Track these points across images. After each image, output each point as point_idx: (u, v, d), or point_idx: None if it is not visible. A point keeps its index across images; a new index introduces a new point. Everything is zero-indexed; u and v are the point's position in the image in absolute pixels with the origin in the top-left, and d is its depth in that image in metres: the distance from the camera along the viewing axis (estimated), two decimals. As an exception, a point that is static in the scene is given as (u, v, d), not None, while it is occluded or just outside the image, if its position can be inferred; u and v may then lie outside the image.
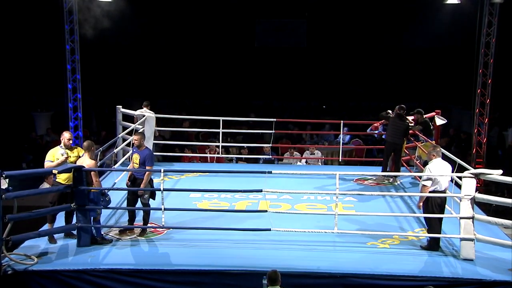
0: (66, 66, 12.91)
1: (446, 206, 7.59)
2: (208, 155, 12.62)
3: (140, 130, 10.41)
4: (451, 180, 8.04)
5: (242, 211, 8.60)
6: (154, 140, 11.45)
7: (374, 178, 10.69)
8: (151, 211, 7.94)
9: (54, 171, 7.24)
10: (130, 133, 10.55)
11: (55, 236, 7.52)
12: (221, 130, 11.73)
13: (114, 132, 11.90)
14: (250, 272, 6.73)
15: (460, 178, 7.46)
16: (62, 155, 7.59)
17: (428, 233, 7.56)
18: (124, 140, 10.83)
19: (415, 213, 8.45)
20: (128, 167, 8.65)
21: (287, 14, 20.75)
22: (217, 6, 19.60)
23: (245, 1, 19.31)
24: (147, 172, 7.73)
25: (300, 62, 21.35)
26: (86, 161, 7.47)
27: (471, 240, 7.11)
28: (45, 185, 9.64)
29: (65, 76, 12.97)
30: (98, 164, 8.06)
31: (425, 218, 7.74)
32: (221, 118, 11.66)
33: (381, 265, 6.91)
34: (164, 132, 14.64)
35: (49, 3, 14.44)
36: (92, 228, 7.48)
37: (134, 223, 7.99)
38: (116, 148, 10.12)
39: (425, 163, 8.73)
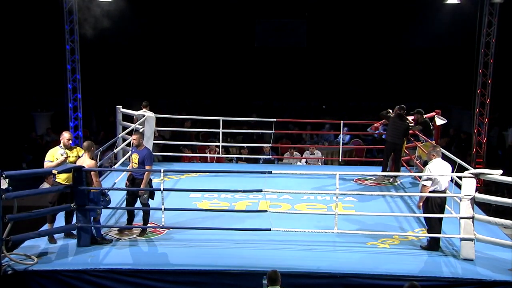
0: (66, 66, 12.91)
1: (446, 206, 7.59)
2: (208, 155, 12.62)
3: (140, 130, 10.42)
4: (451, 180, 8.05)
5: (242, 211, 8.60)
6: (154, 140, 11.44)
7: (374, 178, 10.69)
8: (151, 211, 7.95)
9: (54, 171, 7.24)
10: (130, 133, 10.55)
11: (55, 236, 7.53)
12: (221, 130, 11.73)
13: (112, 132, 11.90)
14: (250, 272, 6.73)
15: (460, 178, 7.46)
16: (62, 155, 7.59)
17: (428, 233, 7.56)
18: (124, 140, 10.83)
19: (415, 213, 8.45)
20: (128, 167, 8.64)
21: (287, 14, 20.74)
22: (217, 6, 19.60)
23: (245, 1, 19.31)
24: (146, 172, 7.73)
25: (300, 62, 21.34)
26: (86, 161, 7.47)
27: (471, 240, 7.11)
28: (45, 185, 9.64)
29: (65, 76, 12.97)
30: (98, 164, 8.05)
31: (425, 218, 7.74)
32: (221, 118, 11.66)
33: (381, 265, 6.91)
34: (164, 132, 14.64)
35: (49, 3, 14.45)
36: (92, 228, 7.48)
37: (134, 223, 8.00)
38: (116, 148, 10.12)
39: (425, 163, 8.73)
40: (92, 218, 7.48)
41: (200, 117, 13.02)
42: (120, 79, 21.16)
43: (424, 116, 10.75)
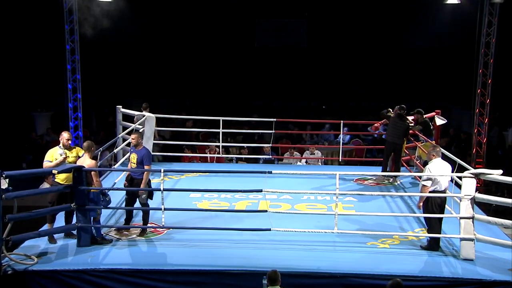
0: (66, 66, 12.91)
1: (446, 206, 7.59)
2: (208, 155, 12.61)
3: (140, 131, 10.42)
4: (451, 180, 8.04)
5: (242, 211, 8.60)
6: (154, 140, 11.44)
7: (374, 178, 10.69)
8: (151, 211, 7.95)
9: (54, 171, 7.24)
10: (130, 133, 10.55)
11: (55, 236, 7.52)
12: (221, 130, 11.73)
13: (112, 132, 11.89)
14: (250, 272, 6.73)
15: (460, 178, 7.46)
16: (61, 155, 7.59)
17: (428, 233, 7.56)
18: (124, 140, 10.83)
19: (415, 213, 8.45)
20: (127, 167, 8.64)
21: (287, 14, 20.74)
22: (217, 6, 19.59)
23: (245, 1, 19.30)
24: (145, 172, 7.73)
25: (300, 62, 21.34)
26: (86, 161, 7.47)
27: (471, 240, 7.11)
28: (45, 185, 9.64)
29: (65, 76, 12.97)
30: (98, 164, 8.05)
31: (425, 218, 7.74)
32: (221, 118, 11.66)
33: (381, 265, 6.91)
34: (164, 132, 14.64)
35: (49, 3, 14.44)
36: (92, 228, 7.48)
37: (134, 223, 8.00)
38: (116, 148, 10.12)
39: (425, 163, 8.73)
40: (92, 218, 7.47)
41: (200, 117, 13.02)
42: (120, 79, 21.14)
43: (424, 116, 10.75)
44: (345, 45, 21.00)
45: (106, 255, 7.17)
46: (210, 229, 7.68)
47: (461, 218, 7.20)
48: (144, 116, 10.98)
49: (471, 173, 7.27)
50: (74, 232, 7.53)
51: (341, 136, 12.99)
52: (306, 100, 21.63)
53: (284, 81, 21.31)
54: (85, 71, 13.21)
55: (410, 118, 10.58)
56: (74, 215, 7.53)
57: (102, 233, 7.61)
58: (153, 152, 11.12)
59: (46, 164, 7.56)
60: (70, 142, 7.76)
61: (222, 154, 12.47)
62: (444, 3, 14.69)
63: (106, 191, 7.68)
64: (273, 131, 12.03)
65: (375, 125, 11.79)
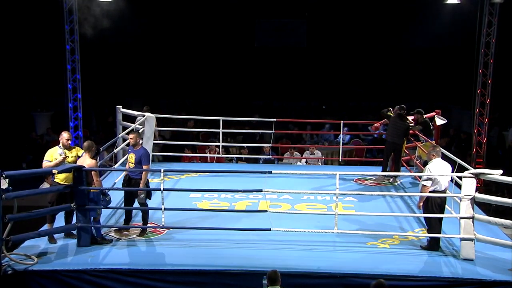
0: (66, 66, 12.91)
1: (446, 206, 7.59)
2: (208, 155, 12.61)
3: (140, 131, 10.42)
4: (451, 180, 8.04)
5: (242, 211, 8.60)
6: (154, 140, 11.44)
7: (374, 178, 10.69)
8: (151, 211, 7.95)
9: (54, 171, 7.24)
10: (129, 134, 10.55)
11: (55, 236, 7.52)
12: (221, 130, 11.73)
13: (112, 132, 11.88)
14: (250, 272, 6.73)
15: (460, 178, 7.46)
16: (60, 155, 7.59)
17: (428, 233, 7.56)
18: (124, 140, 10.83)
19: (415, 213, 8.45)
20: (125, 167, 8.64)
21: (287, 14, 20.73)
22: (217, 6, 19.59)
23: (245, 1, 19.30)
24: (144, 172, 7.72)
25: (300, 62, 21.33)
26: (86, 161, 7.47)
27: (471, 240, 7.11)
28: (45, 185, 9.64)
29: (65, 76, 12.97)
30: (98, 164, 8.05)
31: (425, 218, 7.74)
32: (221, 118, 11.66)
33: (381, 265, 6.91)
34: (164, 132, 14.64)
35: (49, 3, 14.44)
36: (92, 228, 7.48)
37: (134, 224, 8.00)
38: (116, 148, 10.12)
39: (425, 163, 8.73)
40: (92, 218, 7.47)
41: (200, 117, 13.02)
42: (120, 79, 21.15)
43: (424, 116, 10.75)
44: (345, 45, 20.99)
45: (106, 255, 7.17)
46: (210, 229, 7.68)
47: (461, 218, 7.20)
48: (144, 115, 10.98)
49: (471, 173, 7.27)
50: (74, 232, 7.53)
51: (341, 136, 12.99)
52: (306, 100, 21.63)
53: (284, 81, 21.31)
54: (85, 71, 13.21)
55: (410, 118, 10.58)
56: (74, 215, 7.53)
57: (102, 233, 7.61)
58: (153, 152, 11.14)
59: (46, 164, 7.56)
60: (70, 142, 7.76)
61: (222, 154, 12.47)
62: (444, 3, 14.69)
63: (106, 191, 7.68)
64: (273, 131, 12.03)
65: (375, 125, 11.80)
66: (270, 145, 12.60)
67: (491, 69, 13.25)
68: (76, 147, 7.95)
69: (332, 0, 19.62)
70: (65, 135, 7.71)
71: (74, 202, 7.36)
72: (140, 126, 10.72)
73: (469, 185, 7.18)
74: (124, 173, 8.16)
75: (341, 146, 12.19)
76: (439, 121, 10.87)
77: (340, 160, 12.51)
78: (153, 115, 11.21)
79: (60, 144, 7.70)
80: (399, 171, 10.27)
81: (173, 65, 21.20)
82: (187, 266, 6.88)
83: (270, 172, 8.10)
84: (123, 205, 8.25)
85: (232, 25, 20.64)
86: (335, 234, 7.53)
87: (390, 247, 7.50)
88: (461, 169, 7.84)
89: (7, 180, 6.68)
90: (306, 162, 13.02)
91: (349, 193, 9.39)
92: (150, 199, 7.86)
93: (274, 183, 8.80)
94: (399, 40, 20.63)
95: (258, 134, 15.04)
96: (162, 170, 7.69)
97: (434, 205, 7.36)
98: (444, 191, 7.44)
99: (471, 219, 7.14)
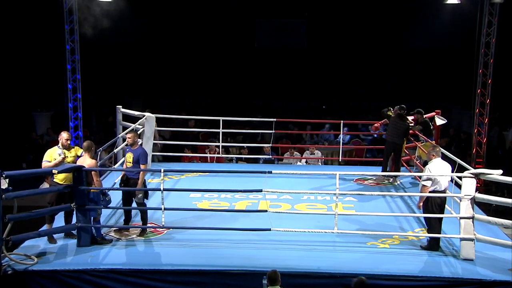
0: (66, 66, 12.91)
1: (446, 206, 7.59)
2: (208, 155, 12.61)
3: (140, 131, 10.41)
4: (451, 180, 8.04)
5: (242, 211, 8.60)
6: (154, 140, 11.44)
7: (374, 178, 10.69)
8: (151, 211, 7.94)
9: (54, 171, 7.24)
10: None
11: (55, 236, 7.52)
12: (221, 130, 11.73)
13: (112, 132, 11.87)
14: (250, 272, 6.73)
15: (460, 178, 7.46)
16: (60, 155, 7.59)
17: (428, 233, 7.56)
18: (124, 140, 10.81)
19: (415, 213, 8.45)
20: (122, 167, 8.63)
21: (287, 14, 20.73)
22: (217, 6, 19.59)
23: (245, 1, 19.30)
24: (142, 171, 7.71)
25: (300, 62, 21.33)
26: (86, 161, 7.47)
27: (471, 240, 7.11)
28: (45, 185, 9.63)
29: (65, 76, 12.97)
30: (98, 164, 8.05)
31: (425, 218, 7.74)
32: (221, 118, 11.66)
33: (381, 265, 6.91)
34: (164, 132, 14.64)
35: (49, 3, 14.44)
36: (92, 228, 7.48)
37: (134, 224, 8.00)
38: (116, 148, 10.11)
39: (425, 163, 8.73)
40: (92, 218, 7.47)
41: (200, 117, 13.02)
42: (120, 79, 21.15)
43: (424, 116, 10.75)
44: (345, 45, 20.99)
45: (106, 255, 7.17)
46: (210, 229, 7.68)
47: (461, 218, 7.20)
48: (144, 115, 10.98)
49: (471, 173, 7.27)
50: (74, 232, 7.53)
51: (341, 136, 13.00)
52: (306, 100, 21.63)
53: (284, 81, 21.31)
54: (85, 71, 13.21)
55: (410, 118, 10.58)
56: (74, 215, 7.53)
57: (102, 233, 7.61)
58: (153, 152, 11.14)
59: (45, 164, 7.56)
60: (69, 142, 7.75)
61: (222, 154, 12.47)
62: (444, 3, 14.69)
63: (106, 191, 7.68)
64: (273, 131, 12.03)
65: (375, 125, 11.80)
66: (270, 145, 12.59)
67: (491, 69, 13.25)
68: (75, 147, 7.94)
69: (332, 0, 19.62)
70: (64, 135, 7.70)
71: (74, 202, 7.36)
72: (140, 126, 10.72)
73: (469, 185, 7.18)
74: (121, 173, 8.15)
75: (341, 146, 12.19)
76: (439, 121, 10.87)
77: (340, 160, 12.51)
78: (153, 115, 11.21)
79: (59, 144, 7.69)
80: (399, 171, 10.27)
81: (173, 65, 21.20)
82: (187, 266, 6.87)
83: (270, 172, 8.10)
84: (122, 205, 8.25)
85: (232, 25, 20.64)
86: (335, 234, 7.53)
87: (390, 247, 7.50)
88: (461, 169, 7.84)
89: (7, 180, 6.68)
90: (306, 162, 13.02)
91: (349, 193, 9.39)
92: (147, 198, 7.85)
93: (274, 183, 8.80)
94: (399, 40, 20.63)
95: (260, 134, 15.03)
96: (162, 170, 7.69)
97: (434, 205, 7.36)
98: (444, 191, 7.44)
99: (471, 219, 7.14)
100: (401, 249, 7.44)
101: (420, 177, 8.20)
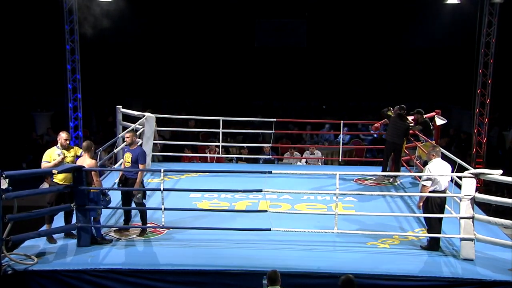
0: (66, 66, 12.91)
1: (446, 206, 7.59)
2: (208, 155, 12.61)
3: (140, 131, 10.41)
4: (451, 180, 8.04)
5: (242, 211, 8.60)
6: (154, 140, 11.44)
7: (374, 178, 10.69)
8: (151, 211, 7.94)
9: (54, 172, 7.24)
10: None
11: (55, 236, 7.52)
12: (221, 130, 11.72)
13: (112, 132, 11.87)
14: (250, 272, 6.73)
15: (460, 178, 7.46)
16: (59, 155, 7.58)
17: (428, 233, 7.55)
18: (124, 140, 10.80)
19: (415, 213, 8.45)
20: (120, 167, 8.62)
21: (287, 14, 20.74)
22: (217, 6, 19.60)
23: (245, 1, 19.31)
24: (140, 171, 7.71)
25: (300, 62, 21.34)
26: (86, 161, 7.47)
27: (471, 240, 7.11)
28: (45, 185, 9.63)
29: (65, 76, 12.98)
30: (98, 164, 8.05)
31: (425, 218, 7.74)
32: (221, 118, 11.66)
33: (381, 265, 6.91)
34: (164, 132, 14.64)
35: (49, 3, 14.44)
36: (92, 228, 7.48)
37: (134, 224, 8.00)
38: (116, 148, 10.11)
39: (425, 163, 8.73)
40: (92, 218, 7.47)
41: (200, 117, 13.02)
42: (120, 79, 21.15)
43: (424, 116, 10.75)
44: (345, 45, 21.00)
45: (106, 255, 7.17)
46: (210, 229, 7.67)
47: (461, 218, 7.20)
48: (144, 115, 10.97)
49: (471, 173, 7.27)
50: (74, 232, 7.52)
51: (341, 136, 13.00)
52: (306, 100, 21.64)
53: (284, 81, 21.32)
54: (85, 71, 13.21)
55: (410, 118, 10.58)
56: (74, 215, 7.53)
57: (102, 233, 7.61)
58: (153, 152, 11.13)
59: (44, 164, 7.55)
60: (68, 142, 7.74)
61: (222, 154, 12.46)
62: (444, 3, 14.69)
63: (106, 191, 7.68)
64: (273, 131, 12.03)
65: (375, 125, 11.79)
66: (270, 145, 12.59)
67: (491, 69, 13.25)
68: (75, 147, 7.93)
69: (332, 0, 19.63)
70: (63, 135, 7.69)
71: (74, 202, 7.36)
72: (140, 126, 10.72)
73: (469, 185, 7.18)
74: (120, 172, 8.15)
75: (341, 146, 12.19)
76: (439, 121, 10.87)
77: (340, 160, 12.51)
78: (153, 115, 11.21)
79: (58, 144, 7.69)
80: (399, 171, 10.27)
81: (173, 65, 21.21)
82: (187, 266, 6.87)
83: (270, 172, 8.10)
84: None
85: (232, 25, 20.64)
86: (335, 234, 7.53)
87: (390, 247, 7.49)
88: (461, 169, 7.84)
89: (7, 180, 6.68)
90: (306, 162, 13.02)
91: (349, 193, 9.39)
92: (145, 198, 7.84)
93: (274, 183, 8.79)
94: (399, 40, 20.64)
95: (261, 134, 15.03)
96: (162, 170, 7.69)
97: (434, 205, 7.36)
98: (444, 191, 7.44)
99: (471, 219, 7.14)
100: (401, 249, 7.44)
101: (420, 177, 8.20)
